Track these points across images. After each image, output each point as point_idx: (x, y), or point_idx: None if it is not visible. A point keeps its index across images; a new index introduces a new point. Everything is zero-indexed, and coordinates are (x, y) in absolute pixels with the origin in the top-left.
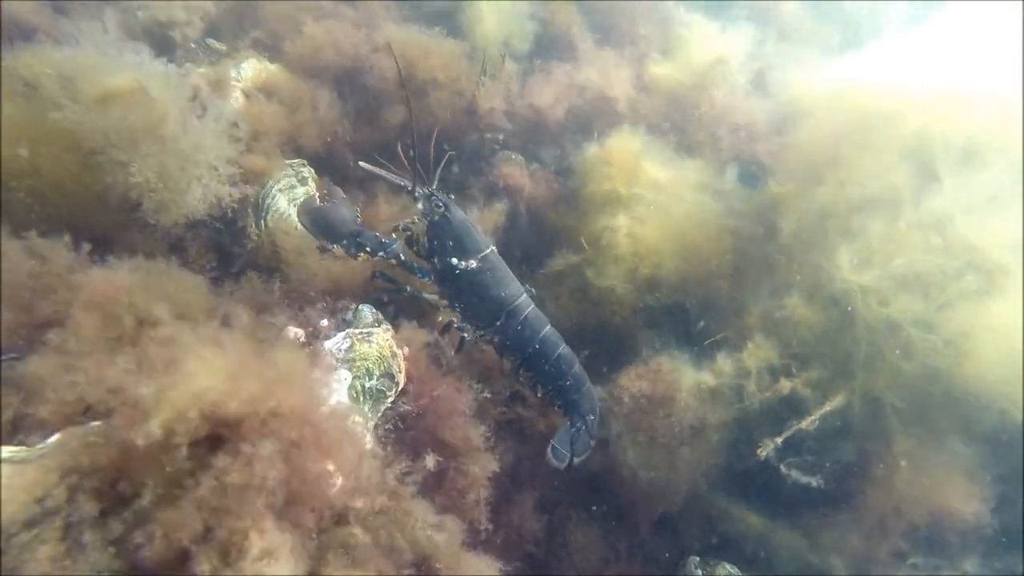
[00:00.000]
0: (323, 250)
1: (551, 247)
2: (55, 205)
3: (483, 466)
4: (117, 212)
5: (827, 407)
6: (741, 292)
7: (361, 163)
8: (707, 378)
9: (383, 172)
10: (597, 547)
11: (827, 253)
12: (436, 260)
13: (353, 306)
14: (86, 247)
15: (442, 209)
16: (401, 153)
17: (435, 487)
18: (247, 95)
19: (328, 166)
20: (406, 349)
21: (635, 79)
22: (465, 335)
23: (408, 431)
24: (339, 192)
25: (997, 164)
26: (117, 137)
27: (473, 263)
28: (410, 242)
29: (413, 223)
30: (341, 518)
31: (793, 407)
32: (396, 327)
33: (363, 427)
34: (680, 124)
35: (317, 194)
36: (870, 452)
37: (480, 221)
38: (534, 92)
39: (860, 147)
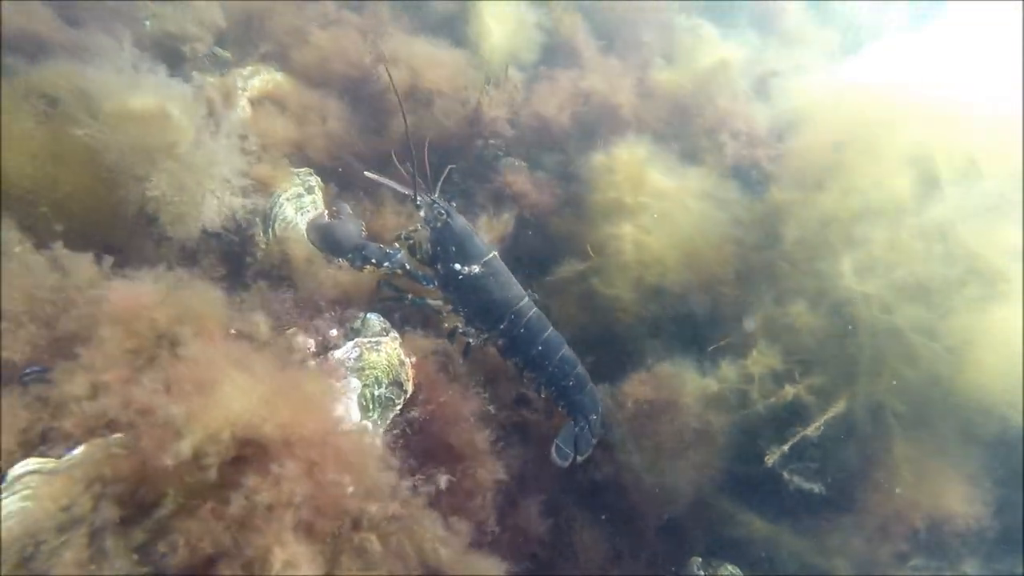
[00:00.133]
0: (330, 262)
1: (555, 254)
2: (74, 219)
3: (489, 470)
4: (132, 224)
5: (830, 412)
6: (745, 299)
7: (367, 173)
8: (711, 384)
9: (387, 181)
10: (602, 549)
11: (830, 261)
12: (439, 266)
13: (361, 315)
14: (108, 260)
15: (444, 216)
16: (398, 163)
17: (443, 490)
18: (254, 104)
19: (335, 175)
20: (413, 357)
21: (639, 85)
22: (470, 340)
23: (416, 436)
24: (345, 208)
25: (998, 173)
26: (136, 154)
27: (476, 268)
28: (413, 250)
29: (415, 231)
30: (355, 523)
31: (796, 413)
32: (403, 335)
33: (375, 436)
34: (683, 130)
35: (325, 211)
36: (872, 457)
37: (488, 230)
38: (539, 99)
39: (862, 154)
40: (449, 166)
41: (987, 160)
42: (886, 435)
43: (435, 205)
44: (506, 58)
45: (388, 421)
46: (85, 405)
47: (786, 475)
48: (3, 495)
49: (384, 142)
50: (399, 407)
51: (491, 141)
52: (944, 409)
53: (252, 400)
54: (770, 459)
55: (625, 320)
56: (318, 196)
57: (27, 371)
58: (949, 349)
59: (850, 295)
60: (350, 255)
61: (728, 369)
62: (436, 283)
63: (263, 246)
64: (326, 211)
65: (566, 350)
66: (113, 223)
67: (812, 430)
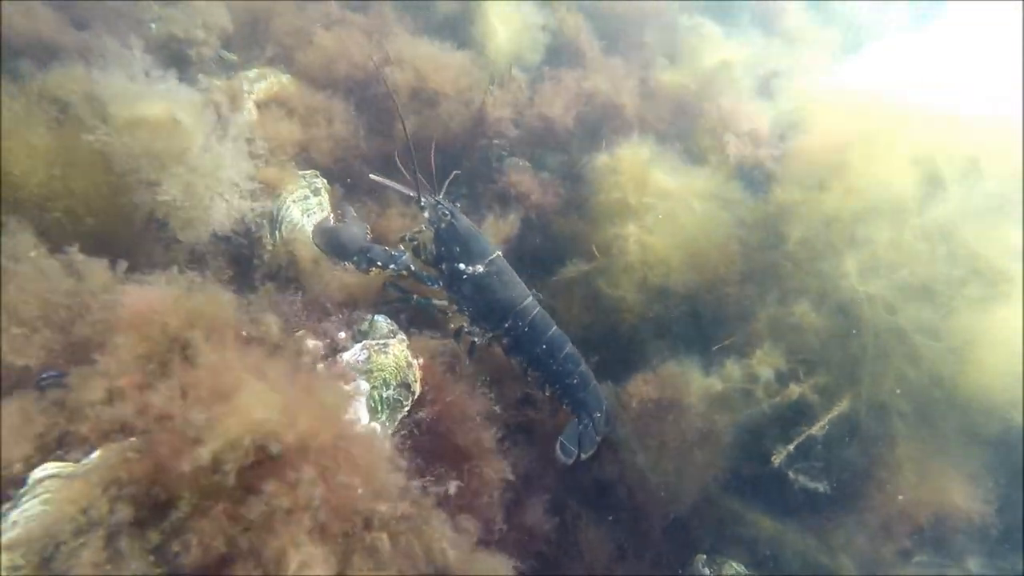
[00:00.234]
0: (336, 265)
1: (560, 254)
2: (85, 223)
3: (496, 468)
4: (142, 229)
5: (834, 411)
6: (749, 299)
7: (372, 176)
8: (716, 383)
9: (392, 183)
10: (607, 547)
11: (833, 261)
12: (444, 266)
13: (368, 317)
14: (123, 265)
15: (448, 217)
16: (400, 165)
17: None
18: (260, 107)
19: (341, 177)
20: (421, 359)
21: (642, 85)
22: (475, 339)
23: (423, 437)
24: (350, 211)
25: (1000, 173)
26: (147, 159)
27: (480, 267)
28: (417, 251)
29: (420, 232)
30: (367, 523)
31: (801, 412)
32: (409, 336)
33: (384, 439)
34: (686, 130)
35: (331, 215)
36: (875, 456)
37: (495, 231)
38: (543, 100)
39: (865, 154)
40: (454, 172)
41: (989, 160)
42: (889, 434)
43: (439, 206)
44: (511, 59)
45: (396, 422)
46: (101, 410)
47: (791, 474)
48: (24, 498)
49: (390, 144)
50: (407, 408)
51: (495, 142)
52: (947, 408)
53: (273, 409)
54: (777, 459)
55: (630, 320)
56: (324, 198)
57: (44, 376)
58: (951, 349)
59: (853, 295)
60: (355, 258)
61: (732, 368)
62: (441, 283)
63: (269, 248)
64: (331, 214)
65: (570, 348)
66: (123, 227)
67: (817, 429)
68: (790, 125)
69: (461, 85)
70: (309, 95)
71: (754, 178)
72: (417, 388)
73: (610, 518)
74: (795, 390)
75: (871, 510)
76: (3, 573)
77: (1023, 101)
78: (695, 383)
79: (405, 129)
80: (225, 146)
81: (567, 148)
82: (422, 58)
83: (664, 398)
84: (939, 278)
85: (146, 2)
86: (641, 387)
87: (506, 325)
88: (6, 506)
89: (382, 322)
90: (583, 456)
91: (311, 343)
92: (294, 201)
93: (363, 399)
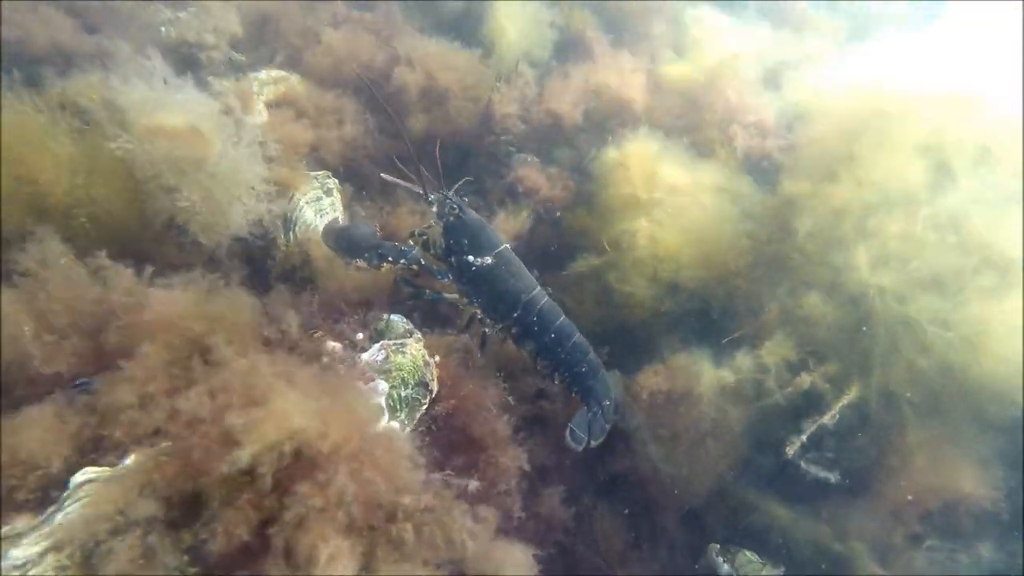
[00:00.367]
0: (348, 264)
1: (570, 249)
2: (108, 229)
3: (512, 456)
4: (161, 233)
5: (844, 400)
6: (759, 292)
7: (383, 175)
8: (727, 374)
9: (401, 182)
10: (621, 538)
11: (844, 253)
12: (453, 259)
13: (384, 317)
14: (148, 270)
15: (456, 210)
16: (400, 165)
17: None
18: (270, 108)
19: (352, 176)
20: (437, 357)
21: (649, 78)
22: (486, 330)
23: (440, 430)
24: (359, 212)
25: (1011, 162)
26: (168, 166)
27: (489, 259)
28: (427, 246)
29: (429, 228)
30: (390, 516)
31: (812, 402)
32: (424, 335)
33: (404, 439)
34: (694, 123)
35: (342, 215)
36: (886, 444)
37: (506, 227)
38: (551, 96)
39: (875, 145)
40: (465, 178)
41: (1000, 149)
42: (899, 422)
43: (447, 200)
44: (520, 56)
45: (415, 421)
46: (135, 415)
47: (803, 464)
48: (67, 502)
49: (400, 143)
50: (425, 407)
51: (503, 138)
52: (957, 397)
53: (312, 417)
54: (791, 449)
55: (640, 315)
56: (336, 198)
57: (78, 383)
58: (962, 338)
59: (864, 287)
60: (367, 255)
61: (743, 360)
62: (451, 276)
63: (283, 249)
64: (342, 215)
65: (578, 337)
66: (142, 232)
67: (828, 418)
68: (797, 116)
69: (469, 82)
70: (318, 95)
71: (763, 169)
72: (435, 387)
73: (625, 511)
74: (806, 379)
75: (882, 496)
76: (51, 573)
77: (1023, 101)
78: (706, 374)
79: (401, 123)
80: (240, 150)
81: (576, 143)
82: (430, 56)
83: (675, 390)
84: (949, 268)
85: (156, 4)
86: (651, 379)
87: (515, 315)
88: (51, 509)
89: (398, 322)
90: (593, 443)
91: (331, 344)
92: (307, 203)
93: (382, 398)
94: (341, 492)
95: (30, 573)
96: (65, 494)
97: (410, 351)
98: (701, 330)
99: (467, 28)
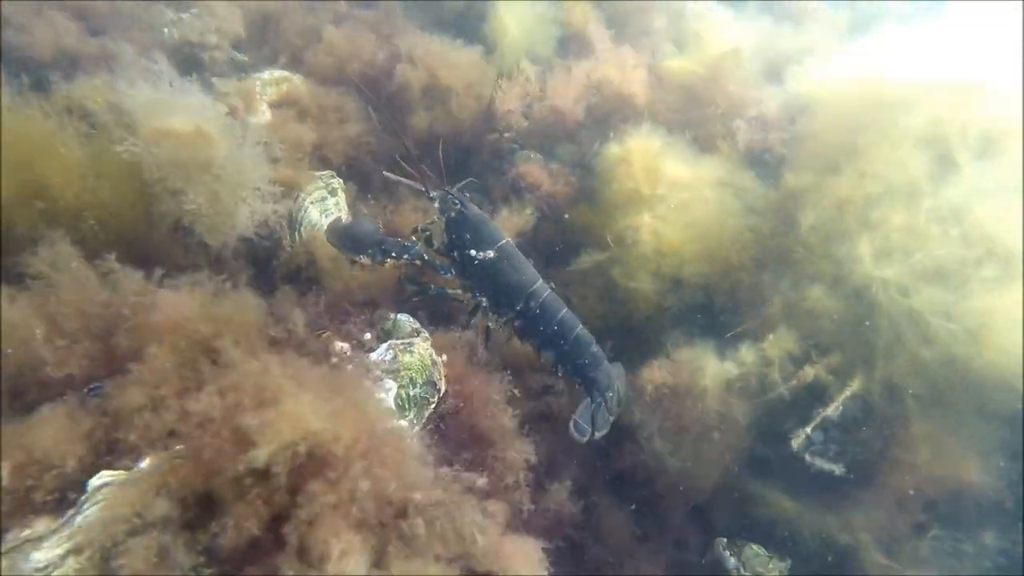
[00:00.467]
0: (352, 263)
1: (573, 245)
2: (115, 231)
3: (519, 450)
4: (167, 235)
5: (847, 392)
6: (762, 285)
7: (385, 172)
8: (731, 368)
9: (404, 180)
10: (628, 531)
11: (847, 245)
12: (456, 254)
13: (391, 316)
14: (158, 273)
15: (458, 205)
16: (402, 163)
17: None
18: (273, 108)
19: (355, 175)
20: (445, 356)
21: (651, 73)
22: (490, 324)
23: (448, 426)
24: (362, 210)
25: (1014, 153)
26: (174, 169)
27: (491, 253)
28: (429, 242)
29: (432, 224)
30: (401, 512)
31: (816, 395)
32: (431, 333)
33: (413, 438)
34: (696, 117)
35: (345, 216)
36: (889, 435)
37: (509, 224)
38: (553, 92)
39: (877, 136)
40: (469, 179)
41: (1003, 139)
42: (903, 414)
43: (448, 195)
44: (523, 54)
45: (424, 419)
46: (148, 418)
47: (808, 457)
48: (85, 505)
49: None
50: (433, 405)
51: (506, 135)
52: (960, 388)
53: (323, 417)
54: (796, 442)
55: (644, 310)
56: (341, 198)
57: (92, 387)
58: (966, 330)
59: (867, 279)
60: (370, 251)
61: (747, 353)
62: (454, 271)
63: (288, 249)
64: (347, 214)
65: (580, 329)
66: (149, 234)
67: (832, 410)
68: (800, 108)
69: (471, 80)
70: (321, 94)
71: (765, 163)
72: (443, 385)
73: (632, 506)
74: (810, 372)
75: (887, 488)
76: (72, 575)
77: (1023, 101)
78: (710, 368)
79: (385, 118)
80: (245, 151)
81: (578, 139)
82: (432, 54)
83: (680, 384)
84: (952, 260)
85: (159, 5)
86: (656, 373)
87: (518, 308)
88: (70, 512)
89: (405, 321)
90: (597, 435)
91: (339, 345)
92: (312, 202)
93: (391, 398)
94: (353, 489)
95: (53, 575)
96: (83, 497)
97: (418, 350)
98: (705, 324)
99: (469, 25)
